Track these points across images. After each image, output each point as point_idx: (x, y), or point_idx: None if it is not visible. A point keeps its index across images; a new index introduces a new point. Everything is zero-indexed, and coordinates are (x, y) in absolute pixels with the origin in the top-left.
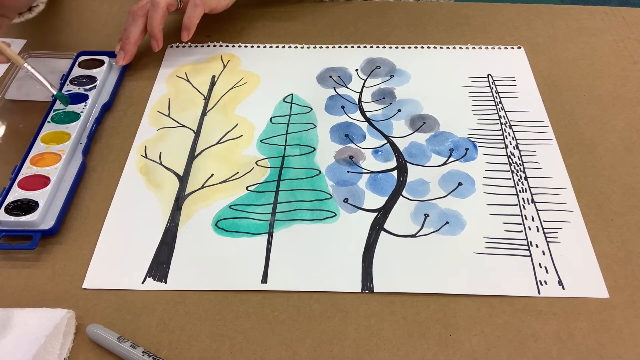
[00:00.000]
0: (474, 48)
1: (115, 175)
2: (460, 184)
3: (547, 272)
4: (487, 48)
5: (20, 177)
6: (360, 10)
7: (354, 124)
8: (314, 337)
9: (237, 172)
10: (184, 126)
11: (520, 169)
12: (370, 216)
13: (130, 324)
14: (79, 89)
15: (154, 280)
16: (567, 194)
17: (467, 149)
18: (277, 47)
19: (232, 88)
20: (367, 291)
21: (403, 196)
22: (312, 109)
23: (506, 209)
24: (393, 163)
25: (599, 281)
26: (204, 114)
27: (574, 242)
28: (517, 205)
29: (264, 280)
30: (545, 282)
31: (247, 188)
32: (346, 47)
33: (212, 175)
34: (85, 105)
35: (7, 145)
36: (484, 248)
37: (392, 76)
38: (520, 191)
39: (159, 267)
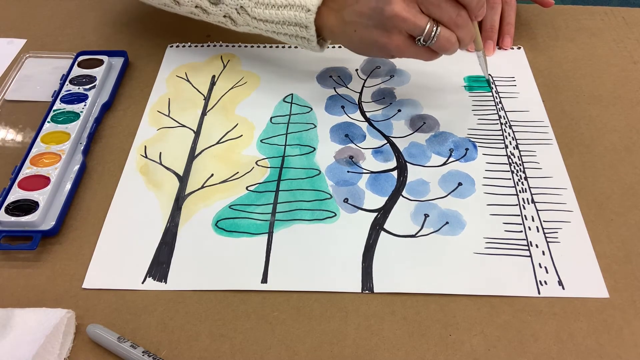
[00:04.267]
0: None
1: (115, 175)
2: (460, 184)
3: (547, 272)
4: None
5: (20, 177)
6: None
7: (354, 124)
8: (314, 337)
9: (237, 172)
10: (184, 126)
11: (520, 169)
12: (370, 216)
13: (130, 324)
14: (79, 88)
15: (154, 280)
16: (567, 194)
17: (467, 149)
18: (277, 47)
19: (232, 88)
20: (367, 291)
21: (403, 196)
22: (312, 109)
23: (506, 209)
24: (393, 163)
25: (599, 281)
26: (204, 114)
27: (574, 242)
28: (517, 205)
29: (264, 280)
30: (545, 282)
31: (247, 188)
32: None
33: (212, 175)
34: (85, 105)
35: (7, 145)
36: (484, 248)
37: (392, 76)
38: (520, 191)
39: (159, 267)
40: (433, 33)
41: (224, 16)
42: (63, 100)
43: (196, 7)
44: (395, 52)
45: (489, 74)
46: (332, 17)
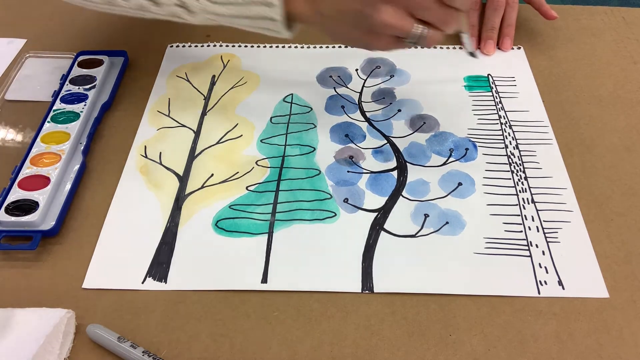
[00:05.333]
0: None
1: (115, 175)
2: (460, 184)
3: (547, 272)
4: None
5: (20, 177)
6: None
7: (354, 124)
8: (314, 337)
9: (237, 172)
10: (184, 126)
11: (520, 169)
12: (370, 216)
13: (130, 324)
14: (79, 88)
15: (154, 280)
16: (567, 194)
17: (467, 149)
18: (277, 47)
19: (232, 88)
20: (367, 291)
21: (403, 196)
22: (312, 109)
23: (506, 209)
24: (393, 163)
25: (599, 281)
26: (204, 113)
27: (574, 242)
28: (517, 205)
29: (264, 280)
30: (545, 282)
31: (247, 188)
32: (346, 47)
33: (212, 175)
34: (85, 105)
35: (7, 145)
36: (484, 248)
37: (392, 76)
38: (520, 191)
39: (159, 267)
40: (422, 35)
41: (178, 5)
42: (63, 100)
43: None
44: (381, 49)
45: (489, 74)
46: (307, 7)
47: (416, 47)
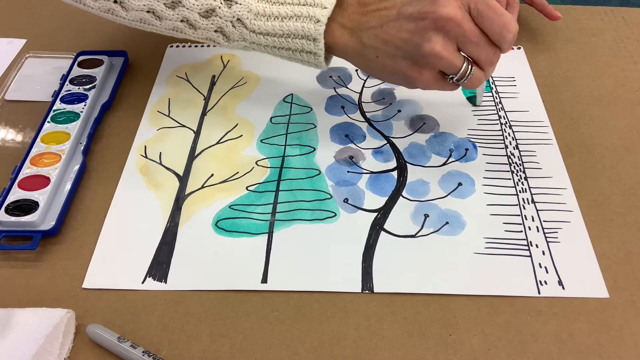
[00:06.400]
0: None
1: (115, 175)
2: (460, 184)
3: (547, 272)
4: None
5: (20, 177)
6: None
7: (354, 124)
8: (314, 337)
9: (237, 172)
10: (184, 126)
11: (520, 169)
12: (370, 216)
13: (130, 324)
14: (79, 88)
15: (154, 280)
16: (567, 194)
17: (467, 150)
18: None
19: (232, 88)
20: (367, 291)
21: (403, 196)
22: (312, 109)
23: (506, 209)
24: (393, 163)
25: (599, 281)
26: (204, 114)
27: (574, 242)
28: (517, 205)
29: (264, 280)
30: (545, 282)
31: (247, 188)
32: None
33: (212, 175)
34: (84, 105)
35: (7, 145)
36: (484, 248)
37: None
38: (520, 191)
39: (159, 267)
40: (468, 72)
41: (216, 31)
42: (63, 100)
43: (182, 21)
44: (422, 85)
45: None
46: (345, 36)
47: (456, 87)
